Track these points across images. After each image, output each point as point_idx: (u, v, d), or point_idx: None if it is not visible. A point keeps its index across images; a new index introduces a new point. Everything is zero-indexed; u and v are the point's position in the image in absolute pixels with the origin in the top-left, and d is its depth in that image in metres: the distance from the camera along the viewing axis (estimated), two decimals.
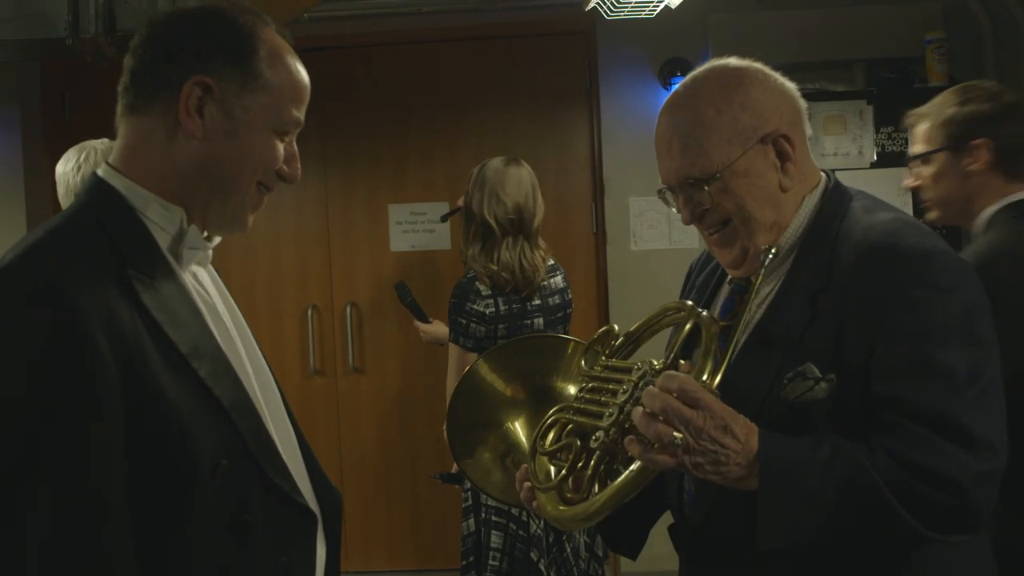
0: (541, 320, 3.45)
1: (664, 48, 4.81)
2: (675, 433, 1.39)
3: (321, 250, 5.12)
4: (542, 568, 3.29)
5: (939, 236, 1.60)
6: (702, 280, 1.85)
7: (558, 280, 3.55)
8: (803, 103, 1.68)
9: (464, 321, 3.31)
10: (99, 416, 1.26)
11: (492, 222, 3.36)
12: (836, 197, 1.66)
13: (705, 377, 1.46)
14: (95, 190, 1.44)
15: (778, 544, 1.44)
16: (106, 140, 2.71)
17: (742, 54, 1.71)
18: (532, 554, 3.29)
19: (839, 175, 1.74)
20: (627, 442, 1.44)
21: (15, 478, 1.23)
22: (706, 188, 1.60)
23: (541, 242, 3.48)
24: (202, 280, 1.52)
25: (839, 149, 4.47)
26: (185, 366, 1.35)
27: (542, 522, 3.27)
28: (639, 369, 1.52)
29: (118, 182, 1.43)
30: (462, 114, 5.07)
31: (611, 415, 1.49)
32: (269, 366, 1.59)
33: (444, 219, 4.64)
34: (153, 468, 1.30)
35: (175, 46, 1.42)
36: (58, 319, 1.25)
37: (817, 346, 1.54)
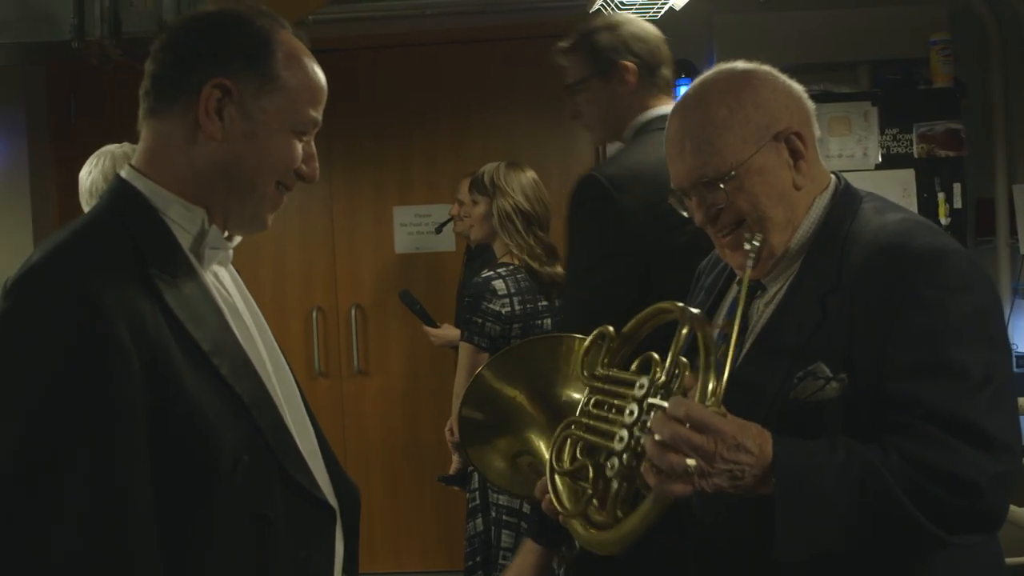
0: (549, 320, 3.47)
1: (669, 50, 4.79)
2: (688, 461, 1.39)
3: (326, 252, 5.13)
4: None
5: (949, 236, 1.60)
6: (710, 281, 1.85)
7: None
8: (811, 104, 1.68)
9: (480, 320, 3.32)
10: (124, 414, 1.28)
11: (524, 215, 3.46)
12: (846, 198, 1.66)
13: (710, 395, 1.45)
14: (118, 192, 1.47)
15: (795, 550, 1.43)
16: (126, 144, 2.74)
17: (747, 56, 1.71)
18: None
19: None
20: (643, 471, 1.44)
21: (41, 475, 1.25)
22: (722, 186, 1.59)
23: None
24: (223, 280, 1.54)
25: (844, 151, 4.46)
26: (207, 363, 1.37)
27: None
28: (642, 387, 1.51)
29: (140, 183, 1.46)
30: (467, 116, 5.07)
31: (622, 440, 1.49)
32: (289, 364, 1.62)
33: (439, 230, 4.64)
34: (175, 464, 1.32)
35: (194, 50, 1.45)
36: (84, 318, 1.27)
37: (827, 346, 1.53)
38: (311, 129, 1.52)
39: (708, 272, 1.89)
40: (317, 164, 1.54)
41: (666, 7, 3.94)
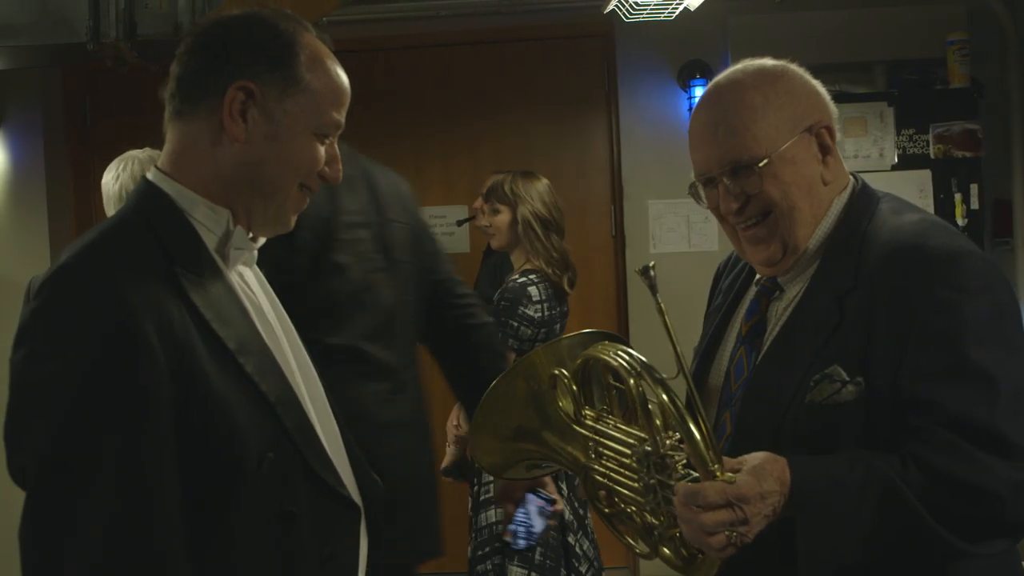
0: (559, 326, 3.58)
1: (683, 51, 4.79)
2: (725, 535, 1.40)
3: None
4: (579, 550, 3.40)
5: (966, 237, 1.59)
6: (728, 284, 1.85)
7: None
8: (835, 107, 1.69)
9: (516, 324, 3.43)
10: (151, 413, 1.30)
11: (544, 222, 3.57)
12: (863, 199, 1.65)
13: (710, 462, 1.43)
14: (145, 193, 1.49)
15: (819, 572, 1.44)
16: (147, 149, 2.78)
17: (762, 56, 1.71)
18: (569, 538, 3.39)
19: None
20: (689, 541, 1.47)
21: (69, 474, 1.27)
22: (756, 170, 1.59)
23: None
24: (248, 280, 1.56)
25: (860, 151, 4.45)
26: (232, 362, 1.39)
27: (570, 508, 3.39)
28: (634, 455, 1.52)
29: (167, 185, 1.47)
30: (482, 117, 5.07)
31: (651, 509, 1.51)
32: (314, 363, 1.63)
33: (460, 223, 4.65)
34: (201, 461, 1.34)
35: (219, 52, 1.46)
36: (111, 317, 1.30)
37: (844, 348, 1.52)
38: (334, 131, 1.54)
39: (727, 273, 1.88)
40: (340, 166, 1.56)
41: (681, 7, 3.93)
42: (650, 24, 4.25)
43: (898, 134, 4.46)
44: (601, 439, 1.60)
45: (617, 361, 1.55)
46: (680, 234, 4.85)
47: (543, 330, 3.49)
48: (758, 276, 1.74)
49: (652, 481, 1.49)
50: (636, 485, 1.53)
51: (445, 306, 2.63)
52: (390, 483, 1.71)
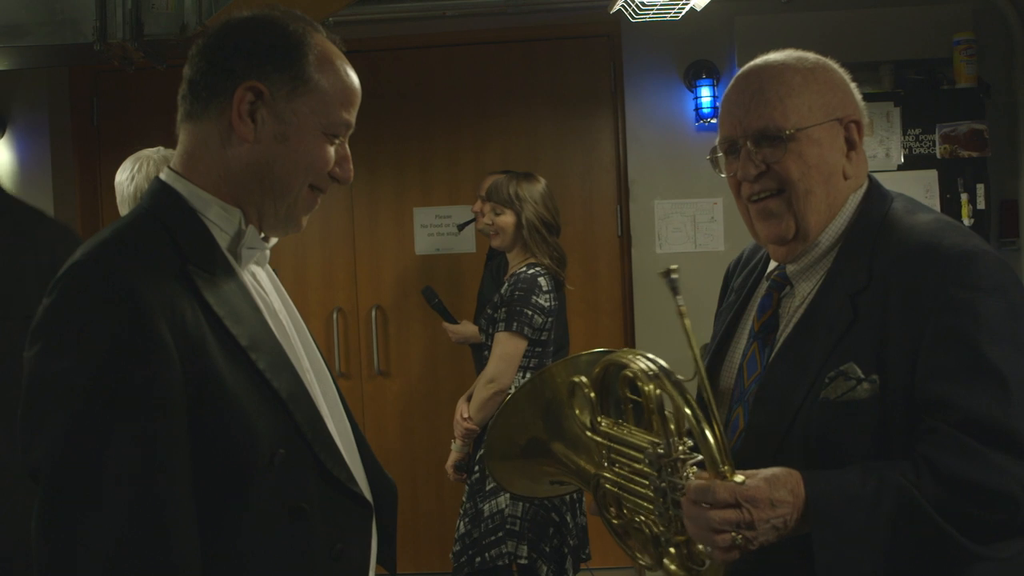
0: (559, 320, 3.74)
1: (689, 51, 4.79)
2: (732, 535, 1.41)
3: (346, 253, 5.14)
4: (570, 525, 3.55)
5: (980, 237, 1.59)
6: (740, 281, 1.85)
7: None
8: (866, 112, 1.71)
9: (530, 312, 3.55)
10: (164, 407, 1.31)
11: (546, 224, 3.71)
12: (877, 198, 1.67)
13: (721, 463, 1.44)
14: (158, 193, 1.50)
15: None
16: (160, 148, 2.80)
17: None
18: (567, 516, 3.54)
19: None
20: (694, 544, 1.48)
21: (83, 469, 1.28)
22: (784, 137, 1.60)
23: None
24: (260, 279, 1.58)
25: (866, 151, 4.43)
26: (244, 358, 1.40)
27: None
28: (646, 458, 1.53)
29: (180, 185, 1.49)
30: (487, 117, 5.07)
31: (659, 513, 1.52)
32: (326, 362, 1.65)
33: (461, 228, 4.67)
34: (213, 456, 1.36)
35: (228, 54, 1.48)
36: (125, 314, 1.31)
37: (859, 347, 1.53)
38: (344, 131, 1.54)
39: (739, 272, 1.89)
40: (351, 166, 1.57)
41: (687, 8, 3.93)
42: (656, 24, 4.25)
43: (904, 134, 4.46)
44: (615, 444, 1.62)
45: (637, 364, 1.56)
46: (686, 234, 4.85)
47: (550, 319, 3.61)
48: (769, 271, 1.75)
49: (663, 484, 1.49)
50: (646, 491, 1.54)
51: None
52: None
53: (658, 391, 1.53)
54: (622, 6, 3.91)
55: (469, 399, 3.70)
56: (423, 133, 5.08)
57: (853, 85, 1.70)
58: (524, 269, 3.64)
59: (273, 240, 1.58)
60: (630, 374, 1.58)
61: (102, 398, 1.29)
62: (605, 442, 1.64)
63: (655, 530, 1.56)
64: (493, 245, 3.84)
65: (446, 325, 4.24)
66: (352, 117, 1.55)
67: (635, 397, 1.61)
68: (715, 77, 4.72)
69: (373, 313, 5.09)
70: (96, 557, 1.26)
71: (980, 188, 4.40)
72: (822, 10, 4.60)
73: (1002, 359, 1.45)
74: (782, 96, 1.62)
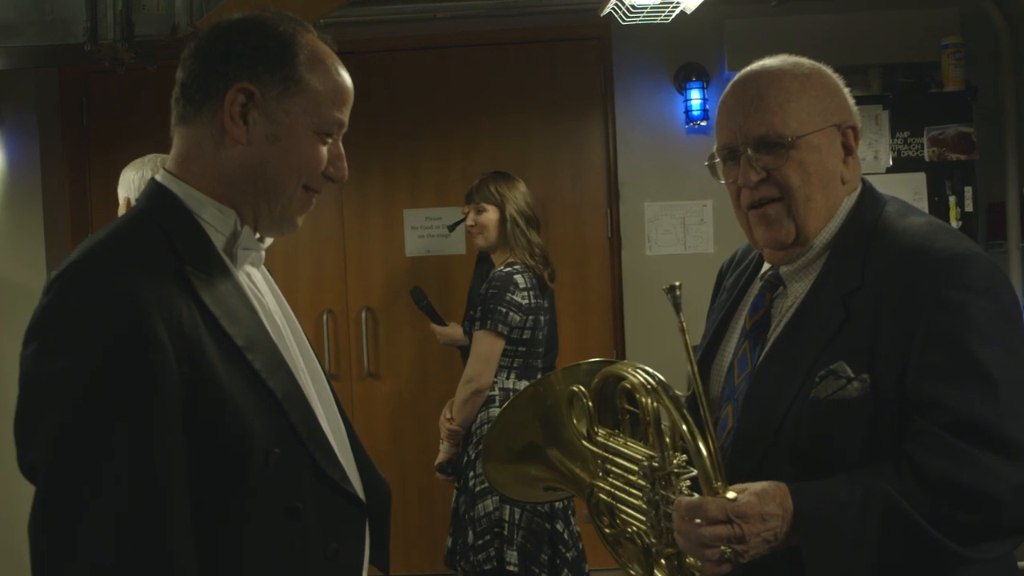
0: (543, 318, 3.72)
1: (680, 53, 4.80)
2: (722, 548, 1.42)
3: (336, 254, 5.14)
4: (566, 536, 3.53)
5: (971, 239, 1.61)
6: (732, 281, 1.86)
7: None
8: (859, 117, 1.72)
9: (504, 310, 3.54)
10: (161, 407, 1.32)
11: (527, 219, 3.76)
12: (870, 201, 1.68)
13: (714, 478, 1.46)
14: (154, 194, 1.51)
15: None
16: (159, 155, 2.80)
17: (758, 59, 1.72)
18: (557, 525, 3.51)
19: None
20: (687, 559, 1.50)
21: (79, 469, 1.28)
22: (785, 144, 1.61)
23: None
24: (255, 280, 1.59)
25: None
26: (240, 358, 1.41)
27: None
28: (640, 470, 1.55)
29: (175, 186, 1.49)
30: (477, 120, 5.08)
31: (651, 524, 1.53)
32: (320, 363, 1.66)
33: (452, 228, 4.68)
34: (209, 456, 1.36)
35: (218, 56, 1.48)
36: (122, 314, 1.31)
37: (850, 347, 1.54)
38: (336, 130, 1.55)
39: (731, 272, 1.90)
40: (345, 164, 1.57)
41: (677, 10, 3.94)
42: (646, 27, 4.26)
43: (893, 137, 4.48)
44: (610, 455, 1.64)
45: (636, 378, 1.58)
46: (676, 236, 4.86)
47: (530, 317, 3.59)
48: (762, 271, 1.76)
49: (656, 497, 1.51)
50: (639, 502, 1.55)
51: None
52: None
53: (655, 404, 1.54)
54: (612, 9, 3.92)
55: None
56: (413, 134, 5.08)
57: (847, 90, 1.71)
58: (500, 268, 3.65)
59: (268, 241, 1.59)
60: (628, 386, 1.59)
61: (98, 398, 1.29)
62: (601, 452, 1.65)
63: (647, 540, 1.57)
64: (477, 244, 3.87)
65: (434, 327, 4.24)
66: (345, 116, 1.55)
67: (632, 408, 1.62)
68: (705, 80, 4.73)
69: (363, 315, 5.09)
70: (92, 557, 1.26)
71: (968, 191, 4.43)
72: (812, 14, 4.62)
73: (992, 360, 1.46)
74: (781, 102, 1.62)
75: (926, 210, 4.29)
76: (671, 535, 1.50)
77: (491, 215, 3.73)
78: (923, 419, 1.46)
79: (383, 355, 5.12)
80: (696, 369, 1.53)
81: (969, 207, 4.42)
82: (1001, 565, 1.56)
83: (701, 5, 3.88)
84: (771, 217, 1.65)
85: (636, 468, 1.57)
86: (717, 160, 1.71)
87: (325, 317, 5.10)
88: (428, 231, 5.09)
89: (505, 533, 3.45)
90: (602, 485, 1.65)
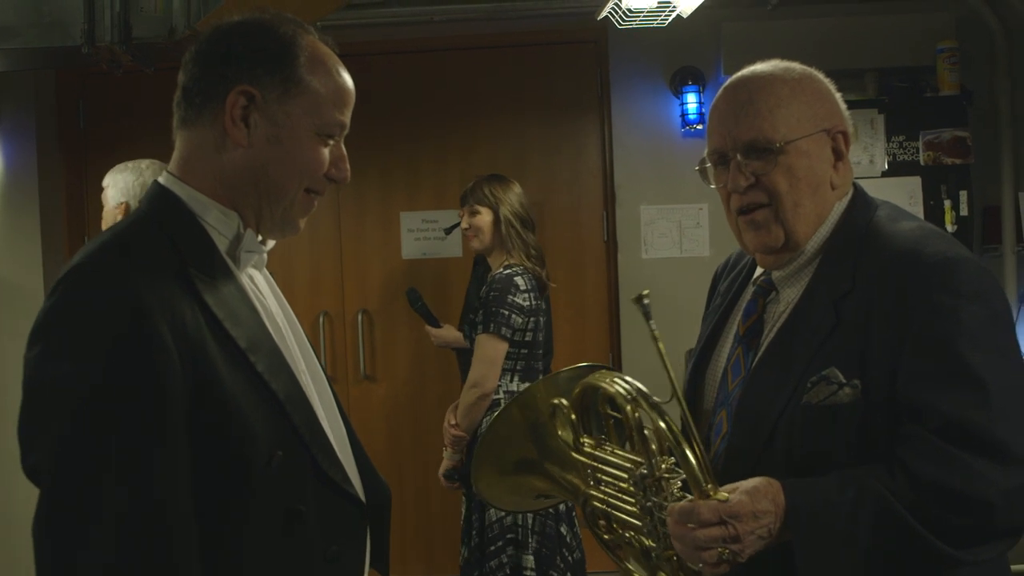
0: (542, 319, 3.71)
1: (676, 57, 4.81)
2: (717, 550, 1.43)
3: (333, 257, 5.14)
4: (569, 540, 3.50)
5: (962, 244, 1.61)
6: (726, 285, 1.87)
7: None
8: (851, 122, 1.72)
9: (507, 312, 3.54)
10: (165, 412, 1.31)
11: (522, 220, 3.75)
12: (862, 205, 1.68)
13: (704, 481, 1.47)
14: (157, 196, 1.51)
15: None
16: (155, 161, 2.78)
17: (755, 63, 1.73)
18: (562, 528, 3.48)
19: None
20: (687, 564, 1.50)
21: (83, 471, 1.28)
22: (774, 150, 1.61)
23: None
24: (258, 282, 1.59)
25: (850, 158, 4.46)
26: (243, 360, 1.41)
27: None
28: (630, 479, 1.55)
29: (178, 189, 1.50)
30: (474, 123, 5.08)
31: (648, 530, 1.54)
32: (322, 365, 1.66)
33: (448, 231, 4.69)
34: (212, 458, 1.36)
35: (219, 58, 1.48)
36: (125, 316, 1.31)
37: (842, 351, 1.54)
38: (338, 132, 1.55)
39: (725, 276, 1.90)
40: (348, 165, 1.57)
41: (674, 14, 3.95)
42: (643, 30, 4.26)
43: (888, 141, 4.49)
44: (599, 465, 1.64)
45: (614, 388, 1.58)
46: (672, 239, 4.86)
47: (532, 319, 3.59)
48: (755, 276, 1.76)
49: (648, 503, 1.51)
50: (633, 509, 1.56)
51: None
52: None
53: (637, 413, 1.55)
54: (609, 12, 3.92)
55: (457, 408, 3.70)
56: (410, 137, 5.08)
57: (838, 95, 1.71)
58: (500, 271, 3.65)
59: (271, 243, 1.59)
60: (608, 397, 1.60)
61: (102, 401, 1.29)
62: (589, 462, 1.66)
63: (646, 544, 1.57)
64: (472, 247, 3.87)
65: (428, 328, 4.24)
66: (346, 117, 1.55)
67: (615, 414, 1.63)
68: (701, 83, 4.74)
69: (359, 317, 5.09)
70: (96, 560, 1.26)
71: (963, 195, 4.44)
72: (808, 18, 4.63)
73: (983, 365, 1.46)
74: (771, 107, 1.62)
75: (921, 214, 4.31)
76: (669, 539, 1.50)
77: (485, 217, 3.73)
78: (914, 424, 1.47)
79: (379, 358, 5.12)
80: (674, 374, 1.53)
81: (964, 211, 4.43)
82: (994, 567, 1.56)
83: (698, 9, 3.89)
84: (759, 222, 1.65)
85: (626, 476, 1.57)
86: (708, 165, 1.71)
87: (321, 320, 5.10)
88: (425, 234, 5.09)
89: (519, 538, 3.44)
90: (595, 494, 1.65)
